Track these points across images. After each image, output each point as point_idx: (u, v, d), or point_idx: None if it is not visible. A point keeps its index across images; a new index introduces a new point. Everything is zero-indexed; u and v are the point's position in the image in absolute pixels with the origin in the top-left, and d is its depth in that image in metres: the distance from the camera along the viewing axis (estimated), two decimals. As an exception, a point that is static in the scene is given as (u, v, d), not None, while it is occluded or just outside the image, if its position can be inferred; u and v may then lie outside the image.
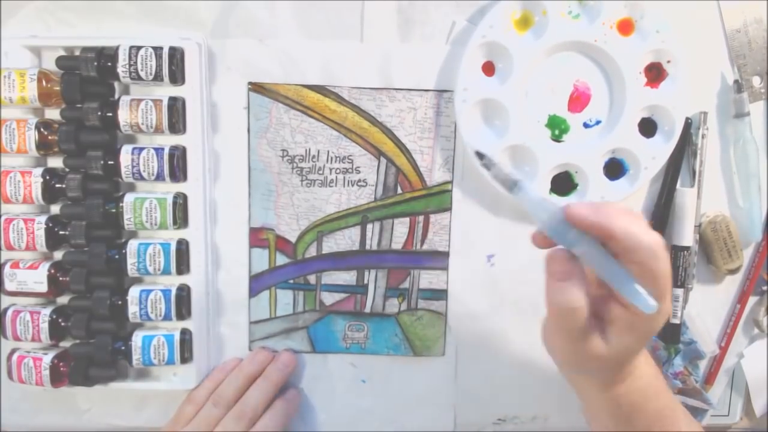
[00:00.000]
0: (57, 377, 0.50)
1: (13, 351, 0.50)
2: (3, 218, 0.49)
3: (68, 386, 0.51)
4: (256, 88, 0.52)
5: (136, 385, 0.53)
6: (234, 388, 0.51)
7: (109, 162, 0.49)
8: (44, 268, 0.49)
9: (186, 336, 0.51)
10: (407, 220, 0.53)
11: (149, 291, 0.50)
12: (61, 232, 0.50)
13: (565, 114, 0.51)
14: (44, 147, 0.49)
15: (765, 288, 0.55)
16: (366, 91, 0.52)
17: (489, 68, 0.51)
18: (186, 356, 0.51)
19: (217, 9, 0.50)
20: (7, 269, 0.49)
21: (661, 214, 0.53)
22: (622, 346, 0.37)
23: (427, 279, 0.54)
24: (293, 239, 0.53)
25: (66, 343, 0.52)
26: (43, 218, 0.49)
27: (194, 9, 0.50)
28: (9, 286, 0.49)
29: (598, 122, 0.51)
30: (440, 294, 0.54)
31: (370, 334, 0.55)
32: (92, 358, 0.51)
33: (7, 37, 0.49)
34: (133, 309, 0.50)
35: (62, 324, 0.50)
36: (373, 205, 0.53)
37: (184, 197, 0.51)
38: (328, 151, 0.53)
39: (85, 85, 0.49)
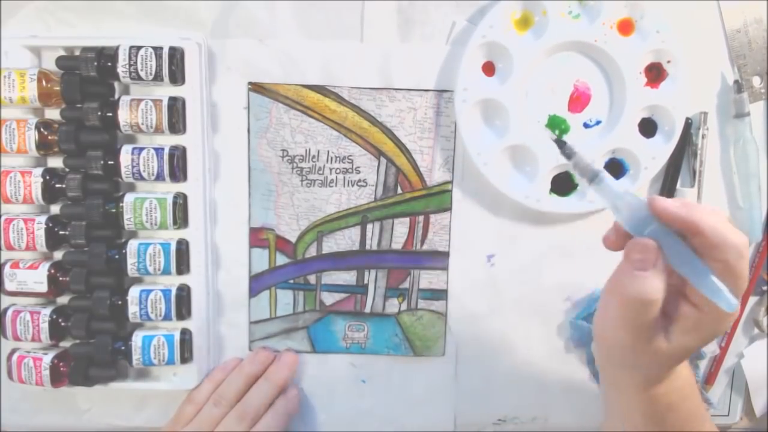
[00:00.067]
0: (57, 377, 0.50)
1: (13, 351, 0.50)
2: (3, 218, 0.49)
3: (68, 386, 0.51)
4: (256, 88, 0.52)
5: (136, 385, 0.53)
6: (235, 388, 0.51)
7: (109, 162, 0.49)
8: (44, 268, 0.49)
9: (186, 336, 0.51)
10: (407, 220, 0.53)
11: (149, 291, 0.50)
12: (61, 232, 0.50)
13: (566, 114, 0.51)
14: (44, 147, 0.49)
15: (765, 288, 0.55)
16: (366, 91, 0.52)
17: (489, 68, 0.51)
18: (186, 356, 0.51)
19: (217, 9, 0.50)
20: (7, 269, 0.49)
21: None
22: (682, 345, 0.36)
23: (427, 279, 0.54)
24: (293, 239, 0.53)
25: (66, 343, 0.52)
26: (43, 218, 0.49)
27: (194, 9, 0.50)
28: (9, 286, 0.49)
29: (598, 122, 0.51)
30: (440, 294, 0.54)
31: (370, 334, 0.55)
32: (92, 358, 0.51)
33: (7, 37, 0.49)
34: (133, 309, 0.50)
35: (62, 324, 0.50)
36: (373, 205, 0.53)
37: (184, 197, 0.51)
38: (328, 151, 0.53)
39: (85, 85, 0.49)
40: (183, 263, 0.51)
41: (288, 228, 0.53)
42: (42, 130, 0.49)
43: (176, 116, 0.49)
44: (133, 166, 0.49)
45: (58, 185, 0.49)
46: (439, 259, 0.54)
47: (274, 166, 0.53)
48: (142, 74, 0.48)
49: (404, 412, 0.56)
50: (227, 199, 0.53)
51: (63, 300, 0.52)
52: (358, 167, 0.53)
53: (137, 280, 0.52)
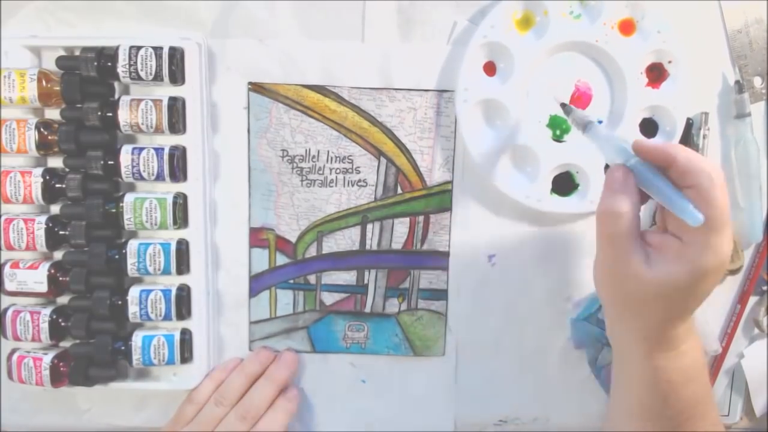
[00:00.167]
0: (57, 377, 0.50)
1: (13, 351, 0.50)
2: (3, 218, 0.49)
3: (68, 386, 0.51)
4: (256, 88, 0.51)
5: (136, 385, 0.53)
6: (236, 388, 0.51)
7: (109, 162, 0.49)
8: (44, 268, 0.49)
9: (186, 336, 0.52)
10: (407, 220, 0.53)
11: (149, 291, 0.50)
12: (61, 232, 0.50)
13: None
14: (44, 147, 0.49)
15: (765, 288, 0.55)
16: (366, 91, 0.52)
17: (490, 68, 0.51)
18: (186, 356, 0.51)
19: (217, 9, 0.50)
20: (7, 269, 0.49)
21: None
22: (666, 275, 0.37)
23: (427, 279, 0.54)
24: (293, 239, 0.53)
25: (66, 343, 0.52)
26: (43, 218, 0.49)
27: (194, 9, 0.50)
28: (9, 286, 0.49)
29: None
30: (440, 294, 0.54)
31: (370, 334, 0.55)
32: (92, 358, 0.51)
33: (7, 37, 0.49)
34: (133, 309, 0.50)
35: (62, 324, 0.50)
36: (373, 205, 0.53)
37: (184, 197, 0.51)
38: (328, 151, 0.52)
39: (85, 85, 0.49)
40: (183, 263, 0.51)
41: (288, 228, 0.53)
42: (42, 130, 0.48)
43: (176, 116, 0.49)
44: (133, 166, 0.49)
45: (58, 185, 0.49)
46: (439, 259, 0.54)
47: (274, 166, 0.52)
48: (142, 74, 0.48)
49: (404, 412, 0.56)
50: (227, 199, 0.53)
51: (63, 300, 0.52)
52: (358, 167, 0.53)
53: (137, 280, 0.52)
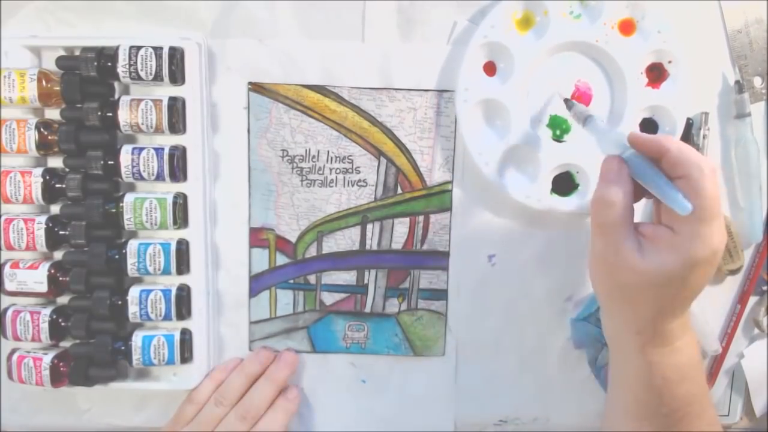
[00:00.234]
0: (57, 377, 0.50)
1: (13, 351, 0.50)
2: (3, 218, 0.49)
3: (68, 386, 0.51)
4: (256, 88, 0.51)
5: (136, 385, 0.53)
6: (236, 388, 0.51)
7: (109, 162, 0.49)
8: (44, 268, 0.49)
9: (186, 336, 0.52)
10: (407, 220, 0.53)
11: (149, 291, 0.50)
12: (61, 232, 0.50)
13: (567, 114, 0.51)
14: (44, 147, 0.49)
15: (765, 288, 0.55)
16: (366, 91, 0.52)
17: (490, 68, 0.51)
18: (186, 356, 0.51)
19: (217, 9, 0.50)
20: (7, 269, 0.49)
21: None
22: (658, 264, 0.37)
23: (427, 279, 0.54)
24: (293, 239, 0.53)
25: (66, 343, 0.52)
26: (43, 218, 0.49)
27: (194, 9, 0.50)
28: (9, 286, 0.49)
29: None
30: (440, 294, 0.54)
31: (370, 334, 0.55)
32: (92, 358, 0.51)
33: (7, 37, 0.49)
34: (133, 309, 0.50)
35: (62, 324, 0.50)
36: (373, 205, 0.53)
37: (184, 197, 0.51)
38: (328, 151, 0.52)
39: (85, 85, 0.49)
40: (183, 263, 0.51)
41: (288, 228, 0.53)
42: (42, 130, 0.48)
43: (176, 116, 0.49)
44: (133, 166, 0.49)
45: (58, 185, 0.49)
46: (439, 259, 0.54)
47: (274, 166, 0.52)
48: (142, 74, 0.48)
49: (404, 412, 0.56)
50: (227, 199, 0.53)
51: (63, 300, 0.52)
52: (358, 167, 0.53)
53: (137, 280, 0.52)
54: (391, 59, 0.51)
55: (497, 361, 0.55)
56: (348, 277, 0.54)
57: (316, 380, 0.55)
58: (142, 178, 0.49)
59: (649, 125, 0.51)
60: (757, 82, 0.52)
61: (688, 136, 0.51)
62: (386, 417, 0.56)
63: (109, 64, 0.48)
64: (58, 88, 0.48)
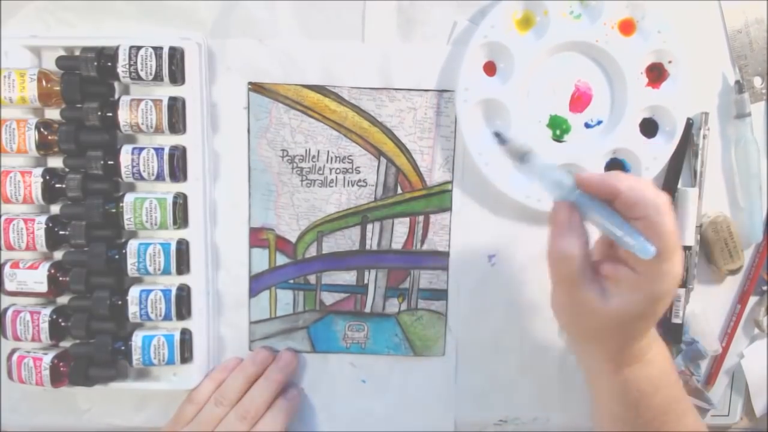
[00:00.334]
0: (57, 377, 0.50)
1: (13, 351, 0.50)
2: (3, 218, 0.49)
3: (68, 386, 0.51)
4: (256, 88, 0.51)
5: (136, 385, 0.53)
6: (236, 388, 0.51)
7: (109, 162, 0.49)
8: (44, 268, 0.49)
9: (186, 336, 0.51)
10: (407, 220, 0.53)
11: (149, 291, 0.50)
12: (61, 232, 0.50)
13: (567, 114, 0.51)
14: (44, 147, 0.49)
15: (765, 288, 0.55)
16: (366, 91, 0.52)
17: (490, 68, 0.51)
18: (186, 356, 0.51)
19: (217, 9, 0.50)
20: (7, 269, 0.49)
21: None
22: (623, 306, 0.37)
23: (427, 279, 0.54)
24: (293, 239, 0.53)
25: (66, 343, 0.52)
26: (43, 218, 0.49)
27: (194, 9, 0.50)
28: (9, 286, 0.49)
29: (599, 122, 0.51)
30: (440, 294, 0.54)
31: (370, 334, 0.55)
32: (92, 358, 0.51)
33: (7, 37, 0.49)
34: (133, 309, 0.50)
35: (62, 324, 0.50)
36: (373, 205, 0.53)
37: (184, 197, 0.51)
38: (328, 151, 0.52)
39: (85, 85, 0.49)
40: (183, 263, 0.51)
41: (288, 228, 0.53)
42: (42, 130, 0.48)
43: (176, 116, 0.49)
44: (133, 166, 0.49)
45: (58, 185, 0.49)
46: (439, 259, 0.54)
47: (274, 166, 0.52)
48: (142, 74, 0.48)
49: (404, 412, 0.56)
50: (227, 199, 0.53)
51: (63, 300, 0.52)
52: (358, 167, 0.53)
53: (137, 280, 0.52)
54: (391, 59, 0.51)
55: (497, 361, 0.55)
56: (348, 277, 0.54)
57: (316, 380, 0.55)
58: (142, 178, 0.49)
59: (649, 125, 0.51)
60: (757, 82, 0.52)
61: (688, 136, 0.51)
62: (386, 417, 0.56)
63: (109, 64, 0.48)
64: (58, 88, 0.48)
